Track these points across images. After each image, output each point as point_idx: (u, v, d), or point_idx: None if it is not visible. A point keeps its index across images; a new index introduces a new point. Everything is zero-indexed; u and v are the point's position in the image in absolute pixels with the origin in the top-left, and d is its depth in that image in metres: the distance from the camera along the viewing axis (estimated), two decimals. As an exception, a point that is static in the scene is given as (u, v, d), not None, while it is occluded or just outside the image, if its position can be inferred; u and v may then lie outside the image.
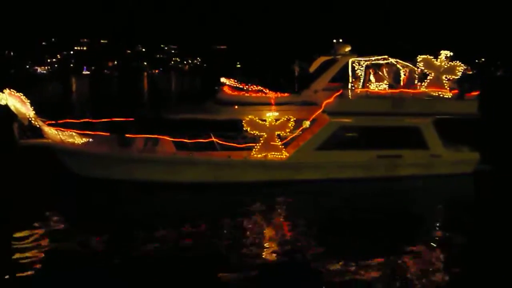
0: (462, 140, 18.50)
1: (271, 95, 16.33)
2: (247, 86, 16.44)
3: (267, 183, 15.63)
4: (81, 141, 15.30)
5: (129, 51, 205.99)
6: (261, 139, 15.78)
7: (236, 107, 16.02)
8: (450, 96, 16.77)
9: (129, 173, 14.83)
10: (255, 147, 15.79)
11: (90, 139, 15.40)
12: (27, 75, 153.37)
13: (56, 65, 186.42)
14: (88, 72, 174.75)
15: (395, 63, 17.14)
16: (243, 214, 13.19)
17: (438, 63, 16.64)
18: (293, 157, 15.89)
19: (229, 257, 10.41)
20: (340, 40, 17.31)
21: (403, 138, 16.62)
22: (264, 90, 16.37)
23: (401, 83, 17.14)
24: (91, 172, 14.89)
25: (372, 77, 17.36)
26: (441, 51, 16.54)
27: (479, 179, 17.26)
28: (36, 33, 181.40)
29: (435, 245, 11.53)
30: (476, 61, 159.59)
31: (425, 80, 16.79)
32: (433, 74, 16.70)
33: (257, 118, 15.67)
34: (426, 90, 16.74)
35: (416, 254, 10.84)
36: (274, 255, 10.78)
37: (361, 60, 16.79)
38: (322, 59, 18.02)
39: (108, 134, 15.12)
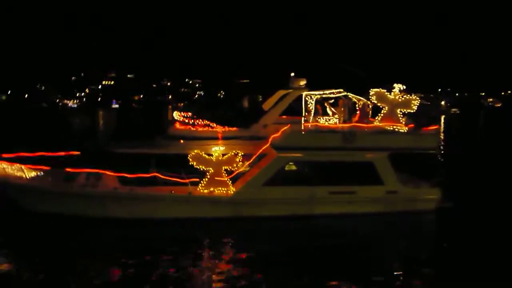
0: (426, 176, 17.78)
1: (219, 129, 16.19)
2: (193, 121, 16.37)
3: (212, 220, 15.29)
4: (29, 175, 15.47)
5: (154, 85, 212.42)
6: (207, 174, 15.57)
7: (182, 141, 15.93)
8: (405, 130, 16.20)
9: (67, 208, 14.81)
10: (201, 182, 15.56)
11: (40, 173, 15.56)
12: (58, 108, 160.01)
13: (84, 99, 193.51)
14: (117, 106, 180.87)
15: (349, 97, 16.80)
16: (183, 251, 12.81)
17: (391, 96, 16.19)
18: (239, 193, 15.53)
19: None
20: (292, 74, 17.14)
21: (356, 173, 16.02)
22: (211, 125, 16.26)
23: (355, 117, 16.70)
24: (32, 206, 14.96)
25: (329, 111, 17.02)
26: (394, 84, 16.12)
27: (440, 217, 16.42)
28: (66, 67, 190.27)
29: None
30: (431, 95, 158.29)
31: (379, 114, 16.31)
32: (386, 107, 16.23)
33: (203, 152, 15.52)
34: (380, 124, 16.24)
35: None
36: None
37: (314, 94, 16.52)
38: (281, 92, 17.86)
39: (48, 168, 15.24)
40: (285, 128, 15.83)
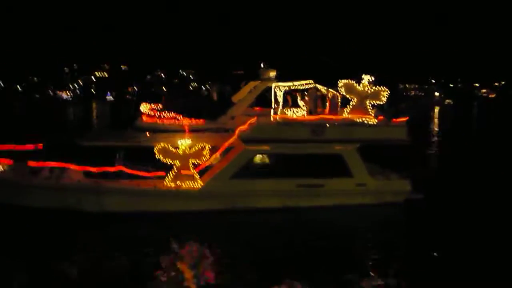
0: (396, 168, 17.66)
1: (185, 121, 15.96)
2: (160, 113, 16.13)
3: (179, 213, 15.12)
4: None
5: (149, 76, 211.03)
6: (174, 167, 15.36)
7: (148, 134, 15.71)
8: (375, 122, 16.02)
9: (31, 201, 14.59)
10: (168, 175, 15.37)
11: (5, 166, 15.31)
12: (51, 99, 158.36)
13: (78, 91, 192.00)
14: (111, 97, 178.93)
15: (319, 88, 16.58)
16: (149, 246, 12.65)
17: (360, 88, 15.98)
18: (207, 186, 15.35)
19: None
20: (262, 65, 16.90)
21: (325, 166, 15.88)
22: (177, 117, 16.03)
23: (325, 109, 16.49)
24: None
25: (299, 103, 16.79)
26: (363, 75, 15.90)
27: (410, 209, 16.34)
28: (59, 59, 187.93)
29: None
30: (426, 86, 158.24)
31: (348, 106, 16.12)
32: (355, 99, 16.03)
33: (170, 145, 15.29)
34: (349, 116, 16.05)
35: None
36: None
37: (283, 85, 16.29)
38: (252, 84, 17.61)
39: (11, 162, 15.01)
40: (252, 120, 15.62)
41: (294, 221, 15.06)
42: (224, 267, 11.42)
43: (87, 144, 15.58)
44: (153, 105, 17.16)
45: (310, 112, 16.34)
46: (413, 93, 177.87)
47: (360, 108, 15.96)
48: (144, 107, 16.94)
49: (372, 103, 16.01)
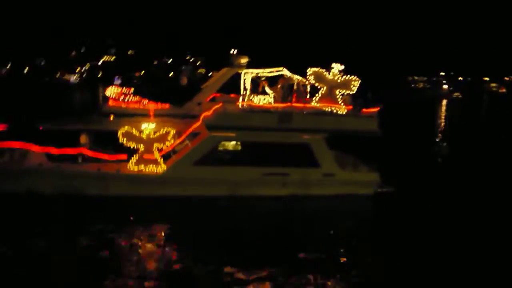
0: (369, 160, 17.34)
1: (151, 106, 15.76)
2: (124, 96, 15.94)
3: (140, 198, 14.99)
4: None
5: (155, 62, 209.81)
6: (137, 151, 15.21)
7: (112, 118, 15.54)
8: (344, 112, 15.68)
9: None
10: (131, 159, 15.22)
11: None
12: (59, 83, 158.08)
13: (85, 74, 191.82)
14: (119, 82, 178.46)
15: (288, 76, 16.23)
16: (113, 230, 12.59)
17: (330, 76, 15.60)
18: (168, 171, 15.19)
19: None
20: (234, 51, 16.58)
21: (291, 155, 15.60)
22: (143, 101, 15.83)
23: (292, 97, 16.17)
24: None
25: (267, 90, 16.50)
26: (333, 64, 15.51)
27: (378, 201, 16.07)
28: (65, 42, 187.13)
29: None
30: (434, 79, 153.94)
31: (316, 95, 15.77)
32: (324, 88, 15.68)
33: (134, 129, 15.12)
34: (317, 105, 15.71)
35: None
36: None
37: (253, 71, 15.97)
38: (224, 70, 17.31)
39: None
40: (217, 106, 15.37)
41: (257, 210, 14.89)
42: (186, 253, 11.39)
43: (50, 127, 15.46)
44: (123, 89, 16.97)
45: (282, 100, 16.02)
46: (421, 86, 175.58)
47: (329, 97, 15.61)
48: (110, 91, 16.74)
49: (342, 92, 15.66)
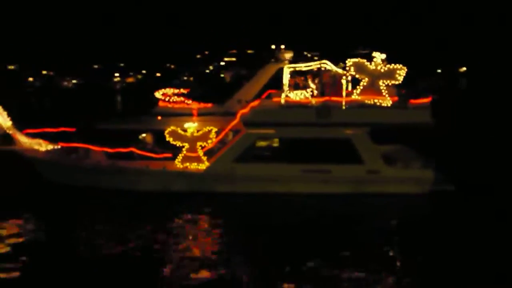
0: (430, 155, 15.85)
1: (194, 105, 16.31)
2: (172, 98, 16.70)
3: (185, 194, 15.60)
4: (45, 149, 17.21)
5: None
6: (183, 149, 15.87)
7: (159, 118, 16.40)
8: (389, 104, 14.60)
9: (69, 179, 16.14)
10: (178, 157, 15.93)
11: (57, 147, 17.16)
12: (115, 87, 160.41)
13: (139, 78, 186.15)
14: (177, 83, 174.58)
15: (328, 69, 15.58)
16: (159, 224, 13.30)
17: (372, 66, 14.65)
18: (210, 168, 15.59)
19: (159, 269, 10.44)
20: (281, 47, 16.41)
21: (332, 151, 14.98)
22: (186, 101, 16.44)
23: (332, 91, 15.47)
24: (48, 176, 16.54)
25: (311, 84, 16.01)
26: (374, 53, 14.54)
27: (435, 201, 14.64)
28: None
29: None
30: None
31: (358, 87, 14.89)
32: (366, 79, 14.75)
33: (179, 128, 15.82)
34: (359, 97, 14.84)
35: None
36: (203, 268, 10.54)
37: (295, 66, 15.67)
38: (266, 67, 17.23)
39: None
40: (254, 103, 15.36)
41: (299, 208, 14.56)
42: (226, 247, 11.71)
43: (109, 127, 16.87)
44: (174, 91, 17.83)
45: (321, 94, 15.47)
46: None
47: (372, 88, 14.67)
48: (158, 94, 17.70)
49: (387, 83, 14.60)
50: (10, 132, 17.03)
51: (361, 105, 14.83)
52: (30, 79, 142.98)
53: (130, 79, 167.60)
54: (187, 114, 16.16)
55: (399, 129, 14.94)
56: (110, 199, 15.27)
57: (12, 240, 12.07)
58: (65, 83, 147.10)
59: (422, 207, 14.59)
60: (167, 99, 16.86)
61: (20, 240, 12.20)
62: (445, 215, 13.72)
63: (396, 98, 14.74)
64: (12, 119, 16.89)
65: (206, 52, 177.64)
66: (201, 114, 16.09)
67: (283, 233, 12.48)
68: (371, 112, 14.74)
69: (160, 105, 17.11)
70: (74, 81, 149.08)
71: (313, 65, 15.63)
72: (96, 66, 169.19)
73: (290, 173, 15.17)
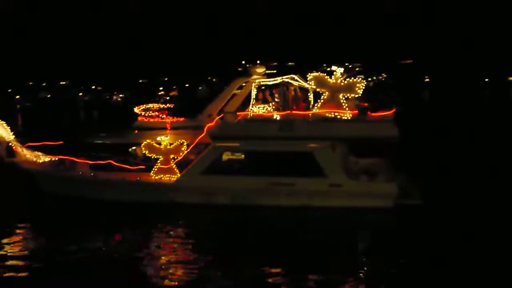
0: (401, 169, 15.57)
1: (168, 120, 17.01)
2: (148, 113, 17.51)
3: (155, 204, 16.22)
4: (42, 161, 18.53)
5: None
6: (158, 162, 16.59)
7: (136, 131, 17.24)
8: (349, 117, 14.56)
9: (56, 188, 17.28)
10: (153, 169, 16.66)
11: (54, 159, 18.42)
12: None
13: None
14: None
15: (292, 82, 15.77)
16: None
17: (332, 80, 14.70)
18: (179, 180, 16.16)
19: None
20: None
21: (296, 164, 15.11)
22: (160, 115, 17.18)
23: (296, 105, 15.64)
24: (42, 186, 17.82)
25: (276, 99, 16.26)
26: (334, 67, 14.61)
27: (398, 215, 14.34)
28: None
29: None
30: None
31: (318, 101, 14.97)
32: (327, 93, 14.81)
33: (154, 142, 16.58)
34: (319, 111, 14.90)
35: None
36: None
37: (262, 81, 16.03)
38: (239, 81, 17.69)
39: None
40: (219, 117, 15.82)
41: (263, 220, 14.77)
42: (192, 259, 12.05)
43: (95, 141, 17.96)
44: (154, 106, 18.70)
45: (283, 108, 15.71)
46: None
47: (333, 102, 14.71)
48: (136, 109, 18.60)
49: (347, 96, 14.60)
50: (12, 145, 18.49)
51: (322, 119, 14.89)
52: (80, 94, 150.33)
53: (173, 93, 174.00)
54: (161, 128, 16.89)
55: (362, 143, 14.85)
56: (88, 209, 16.25)
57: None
58: (114, 97, 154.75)
59: (385, 221, 14.38)
60: (146, 114, 17.73)
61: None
62: (407, 229, 13.44)
63: (356, 112, 14.68)
64: (14, 134, 18.35)
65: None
66: (173, 128, 16.77)
67: (245, 248, 12.64)
68: (333, 126, 14.75)
69: (138, 120, 18.00)
70: (121, 95, 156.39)
71: (279, 80, 15.89)
72: (140, 81, 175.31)
73: (254, 186, 15.42)
